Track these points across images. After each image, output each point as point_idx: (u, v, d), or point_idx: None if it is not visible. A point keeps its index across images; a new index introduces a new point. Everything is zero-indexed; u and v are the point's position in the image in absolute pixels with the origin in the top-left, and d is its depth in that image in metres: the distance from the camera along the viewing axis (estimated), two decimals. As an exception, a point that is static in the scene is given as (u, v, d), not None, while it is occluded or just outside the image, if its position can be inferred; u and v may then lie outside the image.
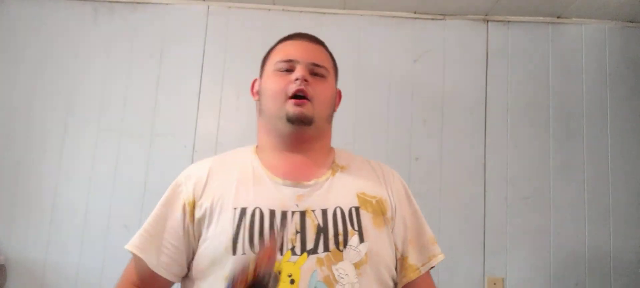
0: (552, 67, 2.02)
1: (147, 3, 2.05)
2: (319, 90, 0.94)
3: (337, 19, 2.05)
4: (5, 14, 2.04)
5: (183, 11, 2.05)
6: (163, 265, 0.91)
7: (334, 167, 0.98)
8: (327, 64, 1.00)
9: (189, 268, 0.93)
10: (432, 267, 1.00)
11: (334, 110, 1.04)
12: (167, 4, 2.05)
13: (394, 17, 2.05)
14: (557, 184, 1.93)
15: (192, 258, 0.91)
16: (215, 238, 0.87)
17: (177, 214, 0.91)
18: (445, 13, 2.05)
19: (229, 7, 2.05)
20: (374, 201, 0.94)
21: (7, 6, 2.04)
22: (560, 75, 2.01)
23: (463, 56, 2.03)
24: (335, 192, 0.93)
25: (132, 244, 0.93)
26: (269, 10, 2.05)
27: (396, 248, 0.95)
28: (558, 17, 2.04)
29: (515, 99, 1.99)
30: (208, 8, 2.05)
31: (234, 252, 0.84)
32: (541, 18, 2.04)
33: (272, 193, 0.90)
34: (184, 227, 0.91)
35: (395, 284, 0.97)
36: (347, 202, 0.91)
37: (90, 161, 1.94)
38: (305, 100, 0.92)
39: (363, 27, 2.05)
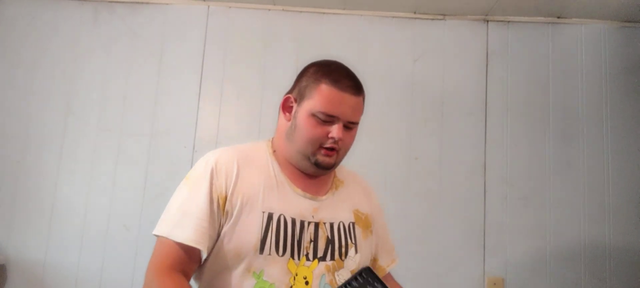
0: (552, 67, 2.02)
1: (147, 3, 2.05)
2: (346, 142, 1.03)
3: (337, 19, 2.05)
4: (5, 14, 2.04)
5: (183, 11, 2.05)
6: (208, 249, 0.98)
7: (336, 182, 1.11)
8: (360, 115, 1.06)
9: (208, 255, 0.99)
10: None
11: None
12: (167, 4, 2.05)
13: (394, 17, 2.05)
14: (556, 184, 1.93)
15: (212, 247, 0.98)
16: (242, 235, 0.95)
17: (214, 206, 0.97)
18: (445, 13, 2.05)
19: (229, 7, 2.05)
20: (363, 217, 1.09)
21: (7, 6, 2.04)
22: (560, 75, 2.01)
23: (463, 56, 2.03)
24: (338, 207, 1.06)
25: (191, 239, 0.95)
26: (269, 10, 2.05)
27: (372, 253, 1.13)
28: (558, 17, 2.04)
29: (515, 99, 2.00)
30: (208, 8, 2.05)
31: (262, 251, 0.94)
32: (541, 18, 2.04)
33: (294, 203, 1.01)
34: (218, 218, 0.98)
35: None
36: (347, 217, 1.06)
37: (90, 161, 1.94)
38: (334, 152, 1.02)
39: (363, 27, 2.05)
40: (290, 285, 0.93)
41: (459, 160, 1.95)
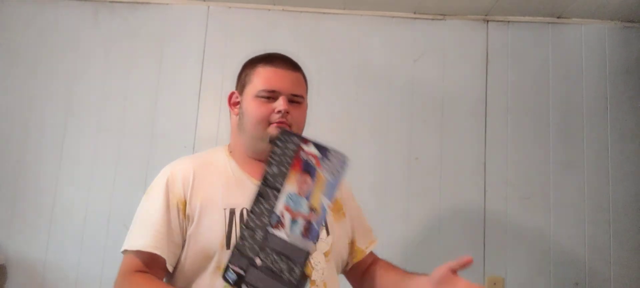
0: (552, 67, 2.02)
1: (147, 3, 2.05)
2: (296, 116, 1.07)
3: (337, 19, 2.05)
4: (5, 14, 2.04)
5: (183, 11, 2.05)
6: (171, 259, 0.99)
7: None
8: (303, 89, 1.12)
9: (177, 262, 1.01)
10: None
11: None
12: (167, 4, 2.05)
13: (394, 17, 2.05)
14: (557, 184, 1.93)
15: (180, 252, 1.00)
16: (207, 234, 0.97)
17: (173, 212, 0.99)
18: (445, 13, 2.05)
19: (229, 7, 2.05)
20: None
21: (7, 6, 2.04)
22: (560, 75, 2.01)
23: (463, 56, 2.03)
24: None
25: (148, 245, 0.96)
26: (269, 10, 2.05)
27: (348, 237, 1.15)
28: (558, 17, 2.04)
29: (515, 99, 1.99)
30: (208, 8, 2.05)
31: (228, 246, 0.96)
32: (541, 18, 2.04)
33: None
34: (181, 224, 1.00)
35: (346, 264, 1.17)
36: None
37: (90, 161, 1.94)
38: (286, 126, 1.04)
39: (363, 27, 2.05)
40: None
41: (459, 160, 1.95)
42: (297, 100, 1.08)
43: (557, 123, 1.97)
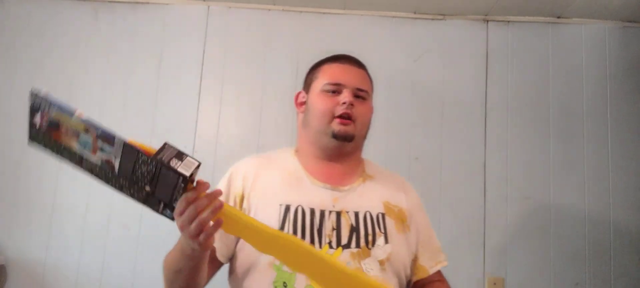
0: (552, 67, 2.02)
1: (147, 3, 2.05)
2: (361, 112, 1.08)
3: (337, 19, 2.05)
4: (5, 14, 2.04)
5: (183, 11, 2.05)
6: (223, 249, 1.02)
7: (364, 176, 1.12)
8: (368, 86, 1.15)
9: (234, 256, 1.03)
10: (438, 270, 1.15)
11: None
12: (167, 4, 2.05)
13: (394, 17, 2.05)
14: (557, 184, 1.93)
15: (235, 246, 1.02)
16: None
17: (231, 204, 1.02)
18: (445, 13, 2.05)
19: (229, 7, 2.05)
20: (396, 209, 1.08)
21: (7, 6, 2.04)
22: (561, 75, 2.01)
23: (463, 56, 2.03)
24: (365, 197, 1.06)
25: None
26: (269, 10, 2.05)
27: (411, 252, 1.09)
28: (558, 17, 2.04)
29: (515, 99, 1.99)
30: (208, 8, 2.05)
31: None
32: (541, 18, 2.04)
33: (312, 194, 1.03)
34: None
35: (408, 282, 1.10)
36: (375, 207, 1.05)
37: (90, 161, 1.94)
38: (350, 121, 1.05)
39: (363, 27, 2.05)
40: None
41: (459, 160, 1.95)
42: (362, 95, 1.09)
43: (557, 123, 1.97)
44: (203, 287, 0.99)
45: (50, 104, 0.86)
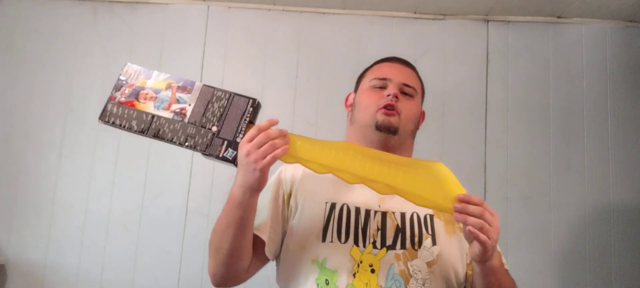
0: (553, 67, 2.01)
1: (147, 3, 2.05)
2: (406, 106, 1.07)
3: (337, 19, 2.05)
4: (5, 14, 2.04)
5: (183, 11, 2.05)
6: (271, 245, 1.02)
7: None
8: (416, 85, 1.13)
9: (279, 256, 1.04)
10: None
11: (417, 127, 1.16)
12: (167, 4, 2.05)
13: (394, 17, 2.05)
14: (558, 184, 1.93)
15: (282, 241, 1.03)
16: (306, 225, 0.99)
17: (279, 201, 1.04)
18: (445, 13, 2.05)
19: (229, 7, 2.05)
20: None
21: (7, 6, 2.04)
22: (561, 75, 2.01)
23: (463, 56, 2.03)
24: None
25: (259, 230, 1.01)
26: (269, 10, 2.05)
27: (465, 254, 1.05)
28: (558, 17, 2.03)
29: (515, 99, 1.99)
30: (208, 8, 2.05)
31: (324, 239, 0.97)
32: (541, 18, 2.04)
33: (358, 193, 1.02)
34: (282, 213, 1.04)
35: (460, 285, 1.06)
36: (423, 208, 1.02)
37: (90, 161, 1.94)
38: (394, 112, 1.04)
39: (363, 27, 2.05)
40: (353, 272, 0.93)
41: (459, 160, 1.95)
42: (409, 91, 1.08)
43: (557, 123, 1.97)
44: (247, 260, 0.98)
45: (140, 71, 0.98)
